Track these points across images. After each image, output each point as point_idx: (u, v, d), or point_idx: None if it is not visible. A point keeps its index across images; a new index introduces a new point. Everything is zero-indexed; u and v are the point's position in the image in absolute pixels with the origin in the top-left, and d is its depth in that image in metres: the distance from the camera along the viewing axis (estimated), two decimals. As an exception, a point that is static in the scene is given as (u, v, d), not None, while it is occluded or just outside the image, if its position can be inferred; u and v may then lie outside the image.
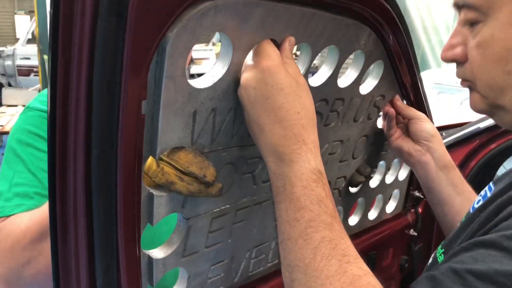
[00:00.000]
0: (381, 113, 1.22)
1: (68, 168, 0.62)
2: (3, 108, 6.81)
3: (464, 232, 0.72)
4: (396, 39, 1.02)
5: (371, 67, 1.07)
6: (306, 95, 0.75)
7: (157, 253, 0.81)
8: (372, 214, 1.38)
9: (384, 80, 1.11)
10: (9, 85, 9.63)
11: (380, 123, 1.24)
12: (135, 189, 0.67)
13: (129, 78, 0.57)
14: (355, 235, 1.34)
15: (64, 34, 0.55)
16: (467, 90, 0.77)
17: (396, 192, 1.45)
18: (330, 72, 0.94)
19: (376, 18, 0.93)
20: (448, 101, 6.46)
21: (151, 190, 0.73)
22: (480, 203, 0.76)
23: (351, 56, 1.00)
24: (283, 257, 0.69)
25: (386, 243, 1.44)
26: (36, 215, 0.93)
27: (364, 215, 1.35)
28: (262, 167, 0.93)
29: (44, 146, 1.01)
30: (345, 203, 1.27)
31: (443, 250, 0.79)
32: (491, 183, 0.80)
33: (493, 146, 1.75)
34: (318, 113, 0.97)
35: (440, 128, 1.92)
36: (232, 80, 0.77)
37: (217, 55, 0.87)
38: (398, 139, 1.16)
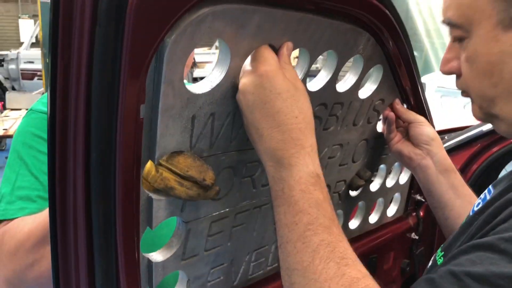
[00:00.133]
0: (381, 117, 1.22)
1: (68, 171, 0.63)
2: (6, 112, 6.83)
3: (463, 235, 0.72)
4: (395, 43, 1.02)
5: (370, 71, 1.07)
6: (304, 99, 0.75)
7: (157, 256, 0.81)
8: (373, 218, 1.38)
9: (384, 84, 1.11)
10: (13, 88, 9.68)
11: (380, 127, 1.24)
12: (134, 192, 0.67)
13: (128, 82, 0.57)
14: (356, 238, 1.34)
15: (63, 39, 0.56)
16: None
17: (397, 195, 1.44)
18: (329, 77, 0.94)
19: (375, 23, 0.93)
20: (451, 104, 6.45)
21: (150, 194, 0.74)
22: (480, 206, 0.76)
23: (350, 61, 1.01)
24: (282, 260, 0.69)
25: (387, 246, 1.44)
26: (40, 219, 0.94)
27: (365, 219, 1.35)
28: (261, 171, 0.93)
29: (46, 148, 1.02)
30: (346, 206, 1.27)
31: (442, 253, 0.79)
32: (490, 186, 0.80)
33: (495, 149, 1.75)
34: (317, 117, 0.98)
35: (443, 132, 1.92)
36: (230, 85, 0.77)
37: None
38: (398, 143, 1.16)
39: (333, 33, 0.88)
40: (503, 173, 1.87)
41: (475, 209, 0.78)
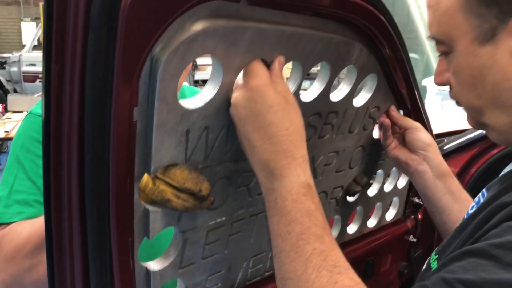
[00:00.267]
0: (377, 124, 1.22)
1: (62, 174, 0.64)
2: (8, 114, 6.85)
3: (457, 239, 0.73)
4: (390, 48, 1.03)
5: (365, 80, 1.08)
6: (294, 112, 0.77)
7: (154, 265, 0.82)
8: (371, 223, 1.39)
9: (378, 92, 1.12)
10: (15, 91, 9.69)
11: (376, 133, 1.24)
12: (127, 191, 0.68)
13: (121, 85, 0.58)
14: (354, 240, 1.34)
15: (57, 43, 0.56)
16: None
17: (395, 199, 1.45)
18: (322, 87, 0.95)
19: (369, 27, 0.94)
20: (452, 107, 6.44)
21: (147, 206, 0.75)
22: (474, 209, 0.76)
23: (344, 72, 1.01)
24: (277, 270, 0.71)
25: (385, 249, 1.44)
26: (37, 225, 0.95)
27: (363, 224, 1.35)
28: (257, 180, 0.94)
29: None
30: (343, 212, 1.27)
31: (437, 256, 0.79)
32: (484, 189, 0.80)
33: (494, 151, 1.75)
34: (312, 126, 0.99)
35: (444, 135, 1.93)
36: (224, 100, 0.79)
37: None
38: (395, 149, 1.17)
39: (325, 46, 0.89)
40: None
41: (470, 212, 0.78)
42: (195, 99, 0.76)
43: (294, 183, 0.72)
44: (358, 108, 1.09)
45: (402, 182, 1.42)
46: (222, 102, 0.78)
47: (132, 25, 0.56)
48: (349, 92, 1.03)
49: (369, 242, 1.37)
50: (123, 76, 0.58)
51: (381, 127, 1.19)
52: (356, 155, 1.21)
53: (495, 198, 0.69)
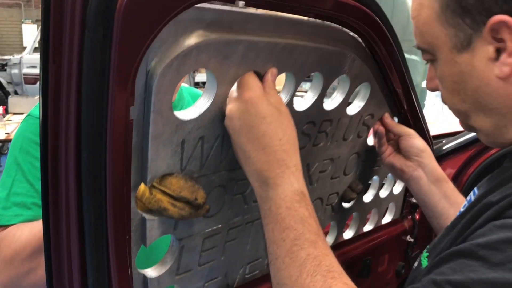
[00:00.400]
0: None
1: (60, 171, 0.65)
2: (9, 116, 6.86)
3: (447, 237, 0.74)
4: (386, 49, 1.04)
5: (358, 89, 1.09)
6: (287, 122, 0.79)
7: (152, 272, 0.84)
8: (368, 228, 1.40)
9: (372, 100, 1.13)
10: (16, 93, 9.70)
11: (371, 140, 1.26)
12: (124, 204, 0.70)
13: (117, 84, 0.59)
14: (351, 240, 1.35)
15: (54, 44, 0.57)
16: None
17: (391, 205, 1.46)
18: (316, 97, 0.97)
19: (365, 29, 0.95)
20: (452, 109, 6.43)
21: (144, 214, 0.77)
22: (465, 208, 0.77)
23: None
24: (273, 276, 0.72)
25: (382, 249, 1.45)
26: (36, 230, 0.95)
27: (359, 230, 1.37)
28: (252, 188, 0.95)
29: None
30: (339, 218, 1.29)
31: (427, 254, 0.81)
32: (475, 188, 0.81)
33: (492, 152, 1.75)
34: (306, 134, 1.00)
35: (443, 136, 1.94)
36: (218, 111, 0.80)
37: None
38: (390, 156, 1.19)
39: (317, 57, 0.91)
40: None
41: (461, 210, 0.79)
42: (190, 111, 0.78)
43: (287, 191, 0.74)
44: (352, 116, 1.11)
45: (397, 188, 1.43)
46: (217, 113, 0.80)
47: (128, 25, 0.57)
48: (342, 101, 1.04)
49: (366, 242, 1.38)
50: (119, 74, 0.59)
51: (376, 134, 1.21)
52: (351, 162, 1.22)
53: (483, 197, 0.70)
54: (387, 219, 1.46)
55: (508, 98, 0.69)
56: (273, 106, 0.78)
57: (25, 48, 11.85)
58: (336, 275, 0.67)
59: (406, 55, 1.16)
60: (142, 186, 0.74)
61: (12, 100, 7.45)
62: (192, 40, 0.69)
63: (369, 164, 1.29)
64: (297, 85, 0.91)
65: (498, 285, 0.56)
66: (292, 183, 0.75)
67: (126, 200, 0.70)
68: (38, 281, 0.97)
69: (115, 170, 0.65)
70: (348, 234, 1.34)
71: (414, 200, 1.51)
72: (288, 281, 0.68)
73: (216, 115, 0.80)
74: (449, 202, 1.10)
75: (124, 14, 0.56)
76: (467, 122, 0.78)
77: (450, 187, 1.12)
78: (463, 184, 1.74)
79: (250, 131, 0.76)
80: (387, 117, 1.20)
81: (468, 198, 0.82)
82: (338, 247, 1.30)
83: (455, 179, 1.73)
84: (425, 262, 0.80)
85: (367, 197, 1.35)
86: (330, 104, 1.03)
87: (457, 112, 0.79)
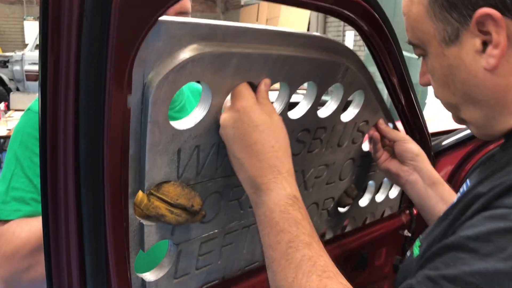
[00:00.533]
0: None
1: (59, 165, 0.66)
2: (10, 113, 6.88)
3: (439, 227, 0.75)
4: (384, 45, 1.04)
5: (352, 96, 1.10)
6: (280, 130, 0.82)
7: (150, 276, 0.86)
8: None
9: (367, 107, 1.15)
10: (17, 89, 9.71)
11: (366, 146, 1.27)
12: (122, 211, 0.72)
13: (114, 73, 0.60)
14: (348, 233, 1.36)
15: (53, 34, 0.58)
16: None
17: (387, 210, 1.48)
18: (309, 105, 0.98)
19: (362, 23, 0.96)
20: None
21: (142, 220, 0.79)
22: (458, 198, 0.78)
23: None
24: (271, 280, 0.74)
25: (379, 242, 1.46)
26: (35, 228, 0.97)
27: None
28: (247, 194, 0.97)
29: None
30: (335, 223, 1.30)
31: (419, 243, 0.82)
32: (468, 180, 0.82)
33: (490, 147, 1.76)
34: (301, 141, 1.02)
35: (444, 133, 1.94)
36: (213, 120, 0.83)
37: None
38: (385, 161, 1.20)
39: (310, 67, 0.93)
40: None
41: (454, 201, 0.80)
42: (186, 120, 0.80)
43: (281, 195, 0.76)
44: (347, 123, 1.12)
45: (393, 192, 1.44)
46: (212, 122, 0.83)
47: (125, 13, 0.58)
48: (336, 108, 1.06)
49: (363, 235, 1.39)
50: (117, 63, 0.60)
51: (371, 140, 1.23)
52: (346, 168, 1.24)
53: (473, 188, 0.71)
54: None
55: (495, 89, 0.71)
56: (266, 115, 0.81)
57: (27, 45, 11.86)
58: (331, 274, 0.68)
59: (408, 54, 1.17)
60: (140, 193, 0.76)
61: (14, 96, 7.47)
62: (186, 53, 0.71)
63: (364, 169, 1.31)
64: (291, 94, 0.93)
65: (491, 275, 0.57)
66: (284, 187, 0.77)
67: (124, 207, 0.72)
68: (37, 278, 0.98)
69: (112, 172, 0.67)
70: None
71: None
72: (285, 282, 0.69)
73: (211, 125, 0.83)
74: (446, 204, 1.11)
75: (122, 2, 0.57)
76: (458, 115, 0.80)
77: (446, 189, 1.14)
78: (461, 180, 1.74)
79: (243, 139, 0.79)
80: (381, 123, 1.22)
81: (461, 189, 0.83)
82: (335, 239, 1.31)
83: (454, 175, 1.74)
84: (416, 252, 0.81)
85: (363, 202, 1.36)
86: (324, 111, 1.05)
87: (448, 106, 0.81)
